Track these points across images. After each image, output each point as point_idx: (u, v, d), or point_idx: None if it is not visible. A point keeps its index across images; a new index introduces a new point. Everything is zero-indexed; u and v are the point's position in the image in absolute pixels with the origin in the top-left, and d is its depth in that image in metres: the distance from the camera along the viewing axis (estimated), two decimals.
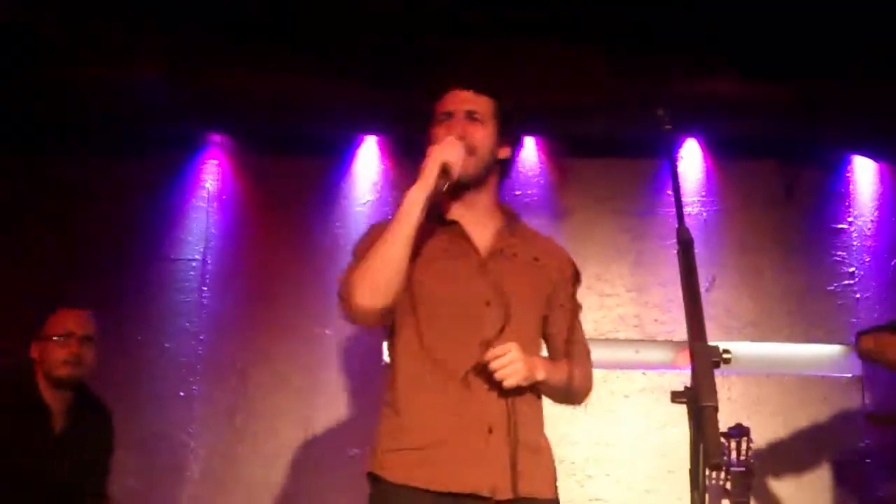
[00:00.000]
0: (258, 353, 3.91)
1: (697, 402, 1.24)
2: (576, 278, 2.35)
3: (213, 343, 3.94)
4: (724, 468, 3.29)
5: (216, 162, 4.12)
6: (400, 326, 2.19)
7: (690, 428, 1.26)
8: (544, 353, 2.33)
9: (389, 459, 2.11)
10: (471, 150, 2.15)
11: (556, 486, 2.20)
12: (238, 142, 4.12)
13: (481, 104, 2.22)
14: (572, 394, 2.26)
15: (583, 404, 2.33)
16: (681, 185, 1.67)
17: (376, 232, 2.16)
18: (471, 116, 2.20)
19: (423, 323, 2.14)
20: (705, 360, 1.27)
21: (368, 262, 2.07)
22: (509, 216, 2.30)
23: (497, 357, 2.03)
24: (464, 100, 2.22)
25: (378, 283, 2.04)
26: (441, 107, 2.23)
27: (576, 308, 2.34)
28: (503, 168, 2.29)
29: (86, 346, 3.08)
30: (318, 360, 3.91)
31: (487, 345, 2.08)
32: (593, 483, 3.73)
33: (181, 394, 3.89)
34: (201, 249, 4.03)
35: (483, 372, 2.08)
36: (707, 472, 1.22)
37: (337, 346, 3.93)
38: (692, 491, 1.22)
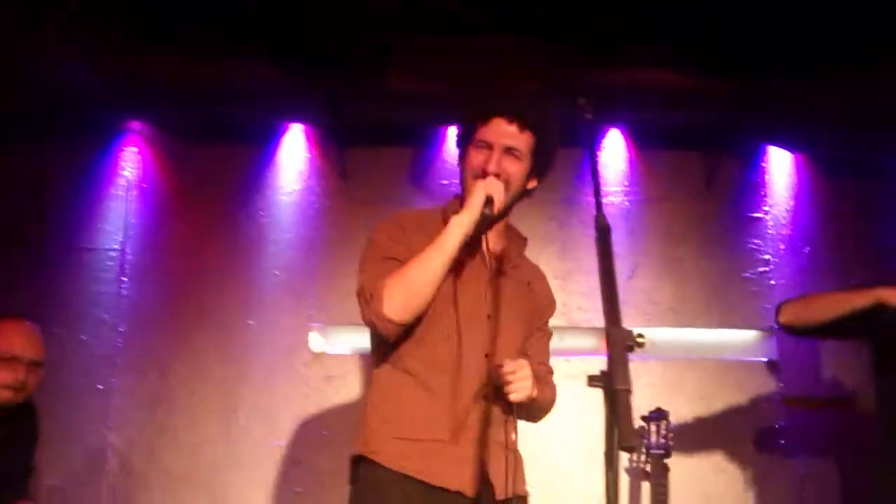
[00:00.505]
0: (180, 345, 3.85)
1: (612, 385, 1.26)
2: (553, 308, 2.53)
3: (133, 335, 3.86)
4: (639, 450, 3.37)
5: (136, 149, 4.03)
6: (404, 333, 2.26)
7: (605, 410, 1.28)
8: None
9: (385, 446, 2.19)
10: (506, 186, 2.25)
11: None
12: (158, 129, 4.03)
13: (522, 141, 2.27)
14: (542, 412, 2.43)
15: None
16: (601, 174, 1.70)
17: (394, 230, 2.27)
18: (510, 152, 2.26)
19: (430, 321, 2.21)
20: (620, 345, 1.30)
21: (406, 278, 2.14)
22: (518, 239, 2.45)
23: (513, 372, 2.12)
24: (506, 134, 2.26)
25: (411, 302, 2.14)
26: (482, 134, 2.28)
27: (549, 334, 2.51)
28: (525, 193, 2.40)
29: (32, 371, 2.85)
30: (241, 352, 3.86)
31: (484, 355, 2.22)
32: None
33: (99, 387, 3.80)
34: (120, 239, 3.94)
35: (480, 380, 2.21)
36: (621, 454, 1.23)
37: (260, 338, 3.88)
38: (606, 471, 1.24)
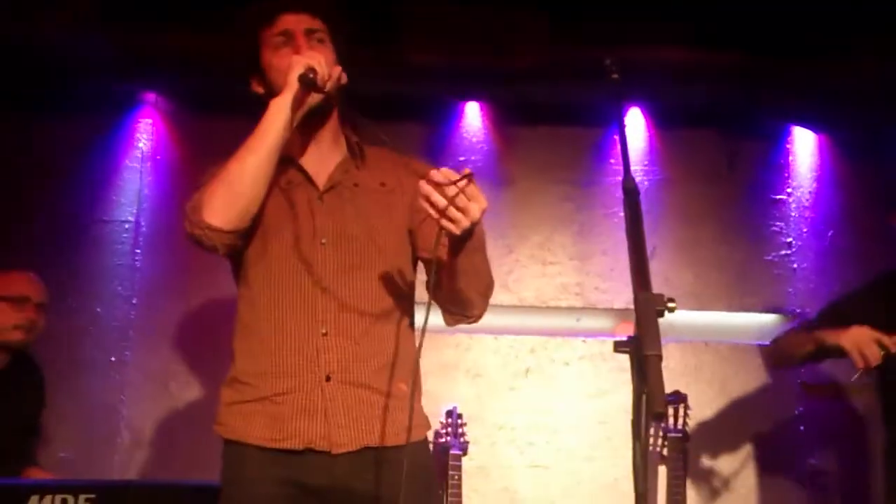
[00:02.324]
0: (193, 318, 3.82)
1: (641, 350, 1.21)
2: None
3: (147, 308, 3.84)
4: (657, 434, 3.33)
5: (150, 121, 3.99)
6: (239, 270, 2.04)
7: (633, 377, 1.23)
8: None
9: (229, 413, 1.98)
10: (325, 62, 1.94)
11: (418, 429, 1.99)
12: (173, 101, 3.99)
13: (319, 24, 2.03)
14: (482, 284, 1.97)
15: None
16: (627, 139, 1.63)
17: (214, 169, 1.98)
18: (313, 35, 2.01)
19: (255, 265, 1.98)
20: (649, 309, 1.25)
21: (224, 178, 1.86)
22: (352, 146, 2.09)
23: (448, 180, 1.68)
24: (302, 21, 2.02)
25: (235, 203, 1.85)
26: (274, 29, 2.01)
27: None
28: (341, 97, 2.06)
29: (40, 313, 3.03)
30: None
31: (322, 288, 1.92)
32: (533, 450, 3.73)
33: (113, 359, 3.78)
34: (134, 211, 3.91)
35: (319, 313, 1.93)
36: (650, 422, 1.19)
37: None
38: (634, 441, 1.20)
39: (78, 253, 3.85)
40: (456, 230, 1.71)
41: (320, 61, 1.90)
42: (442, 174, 1.70)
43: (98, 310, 3.82)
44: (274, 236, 1.96)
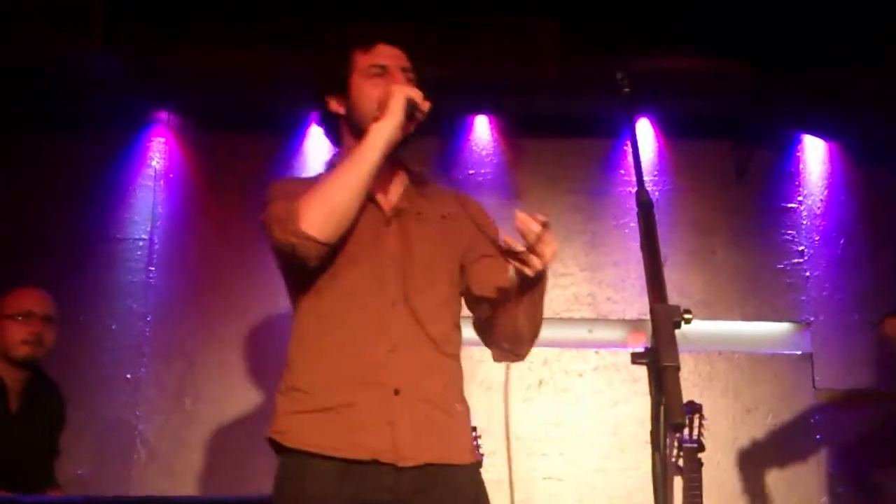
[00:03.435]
0: (207, 335, 3.84)
1: (658, 362, 1.21)
2: (488, 218, 2.18)
3: (161, 325, 3.86)
4: (672, 444, 3.31)
5: (163, 139, 4.03)
6: (304, 283, 2.03)
7: (651, 389, 1.24)
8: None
9: (289, 423, 1.97)
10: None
11: (473, 452, 2.06)
12: (186, 119, 4.03)
13: (409, 65, 2.09)
14: (537, 325, 2.01)
15: (525, 360, 2.10)
16: (639, 152, 1.64)
17: (288, 182, 2.03)
18: (406, 73, 2.07)
19: (326, 279, 1.99)
20: (666, 321, 1.26)
21: (323, 191, 1.90)
22: (415, 176, 2.16)
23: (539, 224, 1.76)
24: (396, 56, 2.08)
25: (331, 217, 1.88)
26: (371, 60, 2.06)
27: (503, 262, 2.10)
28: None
29: (47, 327, 3.05)
30: (268, 340, 3.84)
31: (390, 306, 1.97)
32: (547, 461, 3.73)
33: (128, 376, 3.80)
34: (148, 229, 3.94)
35: (388, 329, 1.96)
36: (668, 433, 1.19)
37: (287, 327, 3.85)
38: (653, 452, 1.20)
39: (92, 270, 3.88)
40: (530, 272, 1.79)
41: (419, 95, 1.96)
42: (521, 220, 1.76)
43: (113, 327, 3.85)
44: (345, 254, 2.00)
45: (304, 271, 1.98)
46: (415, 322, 1.98)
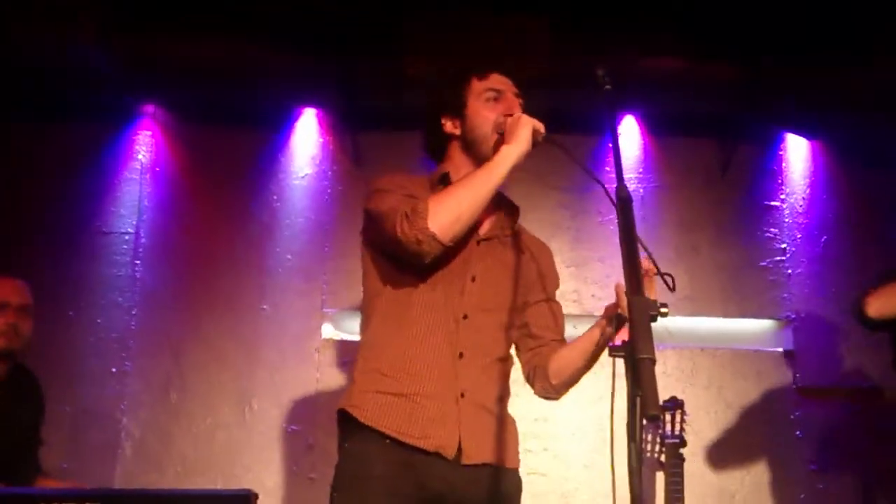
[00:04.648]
0: (193, 329, 3.85)
1: (634, 354, 1.24)
2: (557, 283, 2.42)
3: (147, 318, 3.86)
4: (654, 440, 3.34)
5: (149, 133, 4.03)
6: (398, 274, 2.19)
7: (628, 380, 1.26)
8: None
9: (364, 399, 2.13)
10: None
11: (518, 458, 2.26)
12: (172, 112, 4.03)
13: (517, 90, 2.29)
14: (583, 372, 2.28)
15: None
16: (620, 147, 1.66)
17: (399, 178, 2.22)
18: (519, 100, 2.26)
19: (417, 277, 2.16)
20: (642, 314, 1.28)
21: (454, 197, 2.08)
22: (510, 207, 2.35)
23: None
24: (509, 84, 2.28)
25: (457, 222, 2.05)
26: (488, 85, 2.26)
27: (557, 309, 2.39)
28: None
29: (22, 317, 3.03)
30: (254, 335, 3.86)
31: (464, 316, 2.15)
32: (532, 457, 3.74)
33: (113, 370, 3.80)
34: (134, 222, 3.94)
35: (459, 338, 2.14)
36: (644, 424, 1.21)
37: (273, 322, 3.88)
38: (629, 443, 1.22)
39: (78, 264, 3.88)
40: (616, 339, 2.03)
41: (541, 126, 2.15)
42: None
43: (98, 320, 3.84)
44: (437, 260, 2.15)
45: (414, 265, 2.14)
46: (481, 335, 2.19)
